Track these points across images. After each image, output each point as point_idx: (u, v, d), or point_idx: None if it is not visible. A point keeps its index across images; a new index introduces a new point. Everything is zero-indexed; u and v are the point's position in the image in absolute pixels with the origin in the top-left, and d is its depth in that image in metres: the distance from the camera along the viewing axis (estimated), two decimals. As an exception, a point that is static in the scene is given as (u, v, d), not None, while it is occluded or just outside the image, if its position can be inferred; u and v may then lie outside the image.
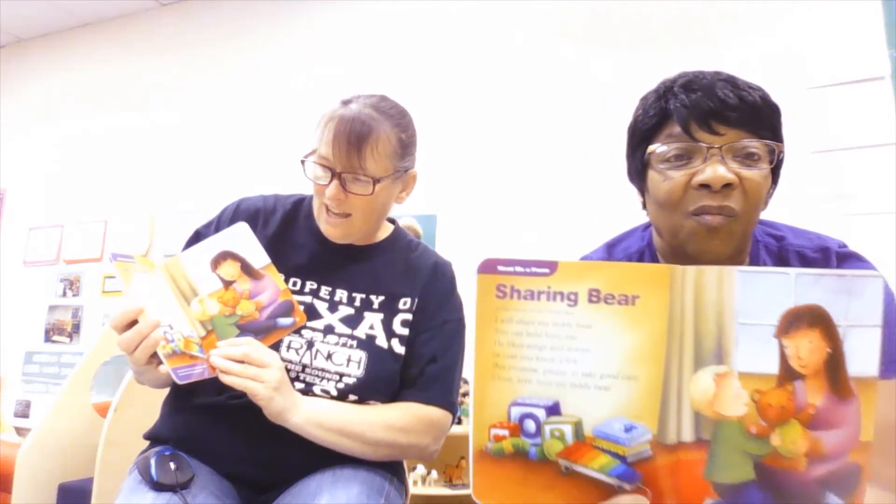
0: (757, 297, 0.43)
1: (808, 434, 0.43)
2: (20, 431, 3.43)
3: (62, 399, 1.92)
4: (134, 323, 0.84)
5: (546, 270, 0.45)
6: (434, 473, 2.48)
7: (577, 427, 0.45)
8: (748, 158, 0.70)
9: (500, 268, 0.46)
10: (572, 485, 0.45)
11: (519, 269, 0.46)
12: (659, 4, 2.88)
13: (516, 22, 3.18)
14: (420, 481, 2.44)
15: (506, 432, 0.46)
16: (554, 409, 0.45)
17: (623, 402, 0.44)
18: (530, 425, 0.45)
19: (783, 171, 2.65)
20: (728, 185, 0.69)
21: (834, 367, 0.42)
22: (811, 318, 0.42)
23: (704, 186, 0.69)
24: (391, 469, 1.00)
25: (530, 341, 0.45)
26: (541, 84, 3.05)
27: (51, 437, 1.86)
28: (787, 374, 0.43)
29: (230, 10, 3.92)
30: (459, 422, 2.51)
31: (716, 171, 0.68)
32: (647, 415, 0.43)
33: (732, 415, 0.43)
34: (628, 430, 0.44)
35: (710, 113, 0.70)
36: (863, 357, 0.42)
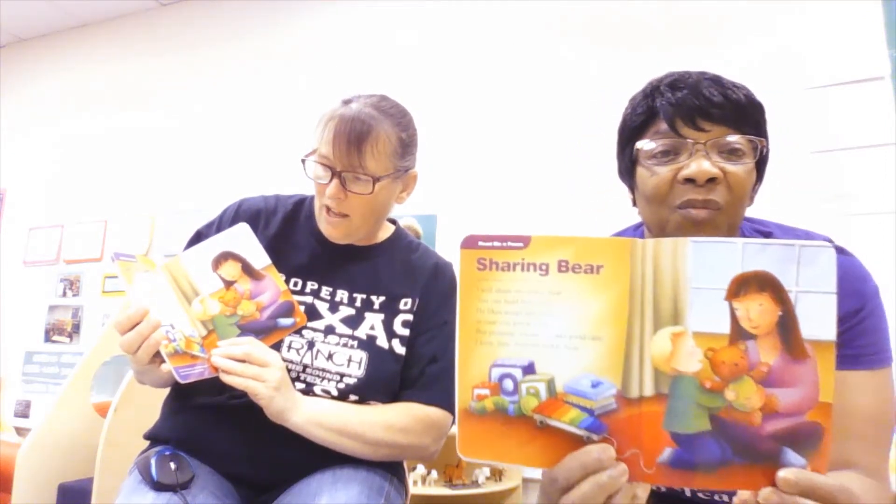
0: (707, 264, 0.47)
1: (762, 390, 0.46)
2: (20, 431, 3.43)
3: (62, 399, 1.92)
4: (137, 324, 0.84)
5: (520, 244, 0.50)
6: (434, 473, 2.48)
7: (550, 384, 0.49)
8: (732, 154, 0.73)
9: (481, 243, 0.51)
10: (547, 437, 0.49)
11: (497, 243, 0.51)
12: (659, 5, 2.89)
13: (516, 22, 3.18)
14: (420, 481, 2.44)
15: (487, 391, 0.50)
16: (529, 369, 0.49)
17: (590, 361, 0.48)
18: (508, 384, 0.50)
19: (783, 171, 2.65)
20: (712, 180, 0.71)
21: (786, 328, 0.46)
22: (760, 283, 0.46)
23: (690, 181, 0.72)
24: (391, 469, 1.01)
25: (508, 308, 0.50)
26: (541, 84, 3.05)
27: (51, 437, 1.86)
28: (739, 334, 0.47)
29: (230, 10, 3.92)
30: (459, 422, 2.51)
31: (700, 165, 0.71)
32: (611, 371, 0.48)
33: (688, 371, 0.47)
34: (595, 385, 0.48)
35: (696, 110, 0.73)
36: (818, 321, 0.46)
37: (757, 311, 0.46)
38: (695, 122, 0.73)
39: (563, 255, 0.49)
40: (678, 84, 0.75)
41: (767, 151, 0.77)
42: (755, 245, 0.47)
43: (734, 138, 0.72)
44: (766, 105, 2.61)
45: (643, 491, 0.50)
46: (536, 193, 2.91)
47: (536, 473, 2.85)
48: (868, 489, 0.66)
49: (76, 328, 3.81)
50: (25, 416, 3.74)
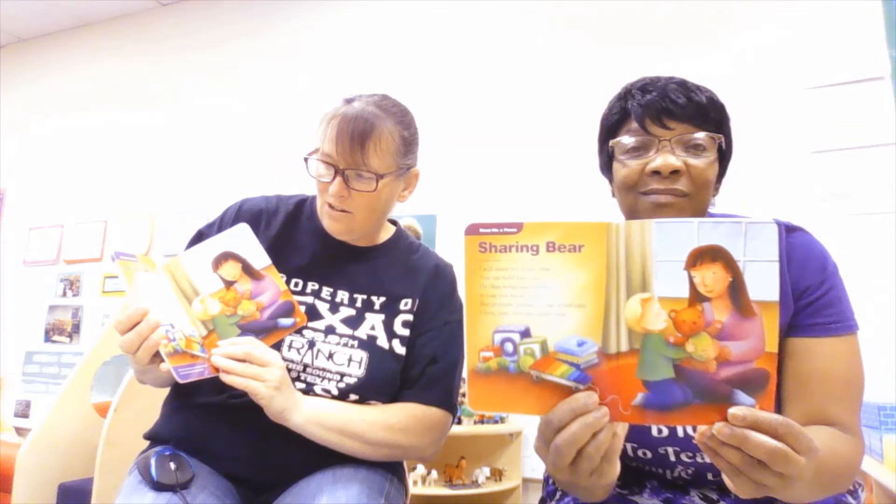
0: (669, 241, 0.56)
1: (717, 343, 0.55)
2: (20, 431, 3.44)
3: (62, 399, 1.92)
4: (137, 324, 0.83)
5: (514, 230, 0.59)
6: (434, 473, 2.49)
7: (543, 345, 0.58)
8: (695, 149, 0.83)
9: (482, 230, 0.60)
10: (542, 389, 0.59)
11: (495, 230, 0.59)
12: (660, 4, 2.89)
13: (517, 22, 3.19)
14: (420, 481, 2.45)
15: (491, 354, 0.59)
16: (525, 333, 0.58)
17: (576, 324, 0.58)
18: (509, 347, 0.59)
19: (783, 171, 2.64)
20: (676, 172, 0.82)
21: (735, 291, 0.55)
22: (713, 255, 0.55)
23: (657, 172, 0.82)
24: (391, 469, 1.01)
25: (506, 283, 0.59)
26: (541, 84, 3.07)
27: (51, 437, 1.87)
28: (696, 297, 0.56)
29: (230, 10, 3.93)
30: (459, 422, 2.51)
31: (666, 159, 0.82)
32: (593, 332, 0.57)
33: (655, 329, 0.56)
34: (580, 344, 0.58)
35: (662, 111, 0.83)
36: (762, 285, 0.55)
37: (711, 278, 0.55)
38: (661, 122, 0.83)
39: (551, 238, 0.58)
40: (648, 88, 0.86)
41: (728, 147, 0.87)
42: (708, 224, 0.56)
43: (696, 135, 0.83)
44: (766, 105, 2.62)
45: (622, 429, 0.59)
46: (536, 193, 2.92)
47: (535, 474, 2.83)
48: (841, 442, 0.75)
49: (76, 328, 3.83)
50: (25, 416, 3.76)
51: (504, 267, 0.59)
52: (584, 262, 0.57)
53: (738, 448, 0.54)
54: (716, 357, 0.55)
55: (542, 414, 0.60)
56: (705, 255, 0.55)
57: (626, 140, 0.85)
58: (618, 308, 0.57)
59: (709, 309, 0.55)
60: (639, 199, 0.84)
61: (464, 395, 2.54)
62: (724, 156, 0.87)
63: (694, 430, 0.68)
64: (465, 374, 0.63)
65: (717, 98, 0.86)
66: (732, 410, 0.54)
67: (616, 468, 0.61)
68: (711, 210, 0.94)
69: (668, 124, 0.83)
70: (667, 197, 0.82)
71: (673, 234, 0.56)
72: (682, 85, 0.85)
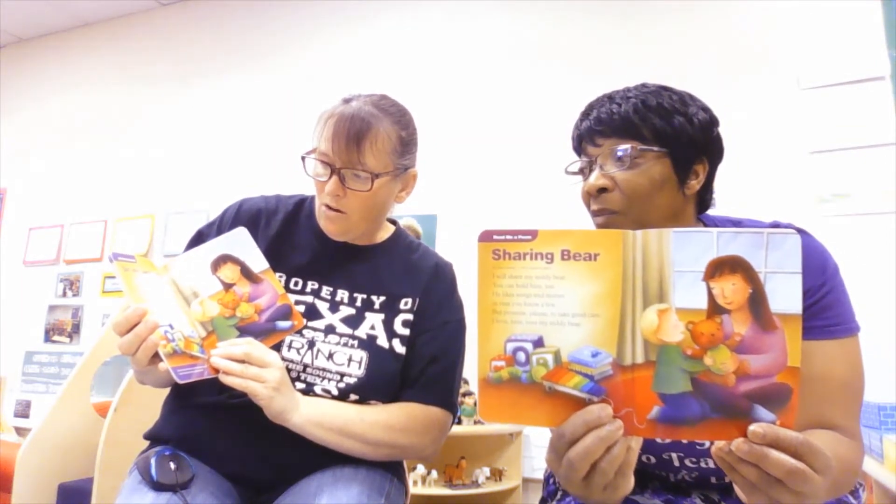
0: (687, 251, 0.55)
1: (736, 356, 0.54)
2: (20, 431, 3.44)
3: (62, 399, 1.92)
4: (135, 326, 0.83)
5: (529, 237, 0.58)
6: (434, 473, 2.48)
7: (556, 355, 0.57)
8: (621, 161, 0.83)
9: (495, 237, 0.59)
10: (554, 400, 0.58)
11: (509, 237, 0.59)
12: (662, 3, 2.89)
13: (518, 22, 3.19)
14: (420, 481, 2.44)
15: (503, 363, 0.58)
16: (538, 343, 0.58)
17: (590, 334, 0.57)
18: (521, 356, 0.58)
19: (783, 171, 2.64)
20: (603, 190, 0.83)
21: (756, 303, 0.54)
22: (732, 266, 0.54)
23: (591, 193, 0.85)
24: (391, 469, 1.01)
25: (519, 291, 0.58)
26: (541, 85, 3.06)
27: (51, 437, 1.86)
28: (715, 309, 0.55)
29: (230, 10, 3.94)
30: (459, 422, 2.51)
31: (588, 181, 0.84)
32: (608, 343, 0.56)
33: (672, 341, 0.55)
34: (594, 355, 0.57)
35: (591, 131, 0.85)
36: (785, 297, 0.54)
37: (730, 289, 0.54)
38: (594, 141, 0.85)
39: (566, 246, 0.57)
40: (587, 111, 0.88)
41: (675, 151, 0.83)
42: (728, 234, 0.55)
43: (619, 148, 0.82)
44: (765, 105, 2.62)
45: (636, 443, 0.58)
46: (537, 193, 2.92)
47: (535, 474, 2.83)
48: (843, 446, 0.75)
49: (76, 328, 3.82)
50: (25, 416, 3.75)
51: (518, 275, 0.58)
52: (600, 271, 0.56)
53: (755, 465, 0.53)
54: (735, 371, 0.54)
55: (554, 426, 0.59)
56: (725, 266, 0.54)
57: (571, 167, 0.90)
58: (634, 318, 0.56)
59: (728, 321, 0.54)
60: (594, 220, 0.86)
61: (464, 396, 2.54)
62: (680, 161, 0.83)
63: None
64: (471, 380, 0.62)
65: (651, 101, 0.83)
66: (752, 427, 0.53)
67: (630, 482, 0.60)
68: (711, 212, 0.94)
69: (598, 142, 0.84)
70: (601, 218, 0.84)
71: (691, 244, 0.55)
72: (612, 98, 0.85)
